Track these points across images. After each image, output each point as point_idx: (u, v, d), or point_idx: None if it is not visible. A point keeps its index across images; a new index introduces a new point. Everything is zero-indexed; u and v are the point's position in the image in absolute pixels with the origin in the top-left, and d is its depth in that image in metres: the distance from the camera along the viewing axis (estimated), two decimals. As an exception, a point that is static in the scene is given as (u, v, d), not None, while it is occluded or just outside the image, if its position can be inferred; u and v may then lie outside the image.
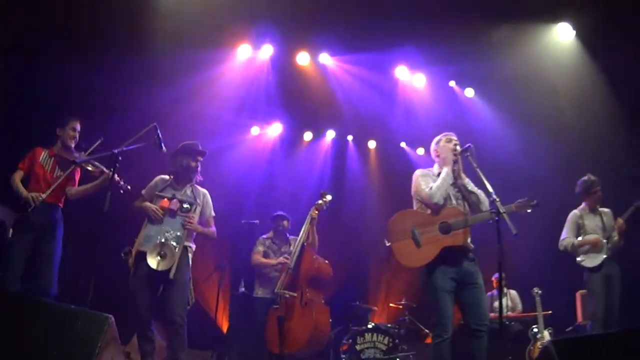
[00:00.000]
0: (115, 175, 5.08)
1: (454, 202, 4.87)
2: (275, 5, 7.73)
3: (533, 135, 8.98)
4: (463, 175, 4.98)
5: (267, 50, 9.12)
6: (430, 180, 4.92)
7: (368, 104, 9.65)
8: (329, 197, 6.85)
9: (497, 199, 4.48)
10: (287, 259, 6.79)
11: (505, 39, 8.06)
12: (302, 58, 9.31)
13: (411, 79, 9.66)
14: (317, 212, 6.75)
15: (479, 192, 4.89)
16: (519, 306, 8.83)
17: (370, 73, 9.33)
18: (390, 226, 4.95)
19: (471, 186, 4.94)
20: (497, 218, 4.46)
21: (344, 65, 9.36)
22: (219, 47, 8.55)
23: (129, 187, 5.29)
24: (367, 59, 8.98)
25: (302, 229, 6.77)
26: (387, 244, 4.92)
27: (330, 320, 6.65)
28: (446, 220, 4.73)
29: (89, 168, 5.45)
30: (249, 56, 9.14)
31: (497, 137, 9.12)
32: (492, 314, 6.97)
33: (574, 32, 8.23)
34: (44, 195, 5.26)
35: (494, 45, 8.17)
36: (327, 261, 6.81)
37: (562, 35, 8.29)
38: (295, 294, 6.43)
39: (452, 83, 9.78)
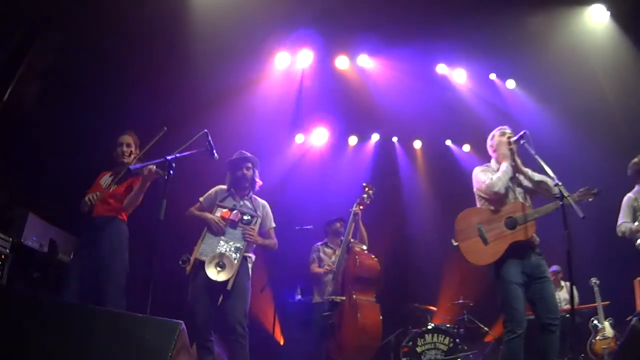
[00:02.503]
0: (154, 167, 4.86)
1: (515, 196, 4.82)
2: (310, 10, 7.72)
3: (579, 122, 8.83)
4: (523, 167, 4.94)
5: (305, 57, 9.12)
6: (490, 174, 4.89)
7: (410, 103, 9.52)
8: (372, 190, 6.63)
9: (560, 184, 4.40)
10: (331, 266, 6.67)
11: (541, 27, 7.97)
12: (341, 62, 9.28)
13: (451, 74, 9.58)
14: (361, 207, 6.60)
15: (545, 178, 4.81)
16: (576, 298, 8.58)
17: (409, 72, 9.21)
18: (456, 225, 4.92)
19: (536, 176, 4.89)
20: (562, 203, 4.38)
21: (383, 66, 9.29)
22: (257, 57, 8.58)
23: (160, 171, 4.82)
24: (405, 58, 8.87)
25: (347, 228, 6.62)
26: (454, 244, 4.86)
27: (381, 317, 6.28)
28: (511, 215, 4.69)
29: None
30: (288, 64, 9.16)
31: (542, 127, 8.94)
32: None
33: (608, 13, 8.07)
34: (99, 194, 5.07)
35: (531, 34, 8.10)
36: (371, 254, 6.53)
37: (596, 17, 8.12)
38: (344, 298, 6.28)
39: (492, 76, 9.67)
